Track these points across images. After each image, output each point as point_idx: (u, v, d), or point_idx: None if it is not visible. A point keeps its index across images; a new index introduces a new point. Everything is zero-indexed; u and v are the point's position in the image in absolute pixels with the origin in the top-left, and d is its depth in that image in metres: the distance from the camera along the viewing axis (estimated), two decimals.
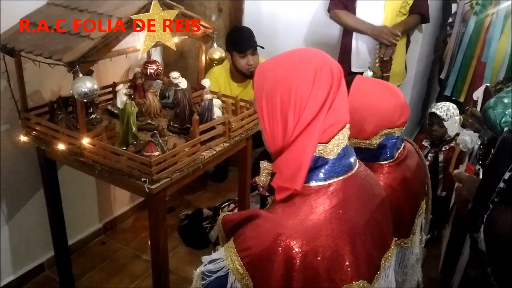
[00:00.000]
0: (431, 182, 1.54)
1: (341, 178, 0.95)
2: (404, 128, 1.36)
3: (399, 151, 1.37)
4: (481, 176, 1.04)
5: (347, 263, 0.90)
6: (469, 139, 1.91)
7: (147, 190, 1.67)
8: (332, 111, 0.91)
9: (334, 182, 0.94)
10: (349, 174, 0.97)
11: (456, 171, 1.09)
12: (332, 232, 0.90)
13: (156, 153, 1.70)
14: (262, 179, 1.01)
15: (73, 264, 2.41)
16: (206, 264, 0.98)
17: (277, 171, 0.95)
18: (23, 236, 2.34)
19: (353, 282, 0.92)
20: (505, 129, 0.89)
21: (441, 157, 2.68)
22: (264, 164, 1.00)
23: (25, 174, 2.25)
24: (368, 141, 1.31)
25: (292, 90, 0.90)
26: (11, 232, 2.28)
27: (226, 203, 2.99)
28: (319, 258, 0.87)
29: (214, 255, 0.98)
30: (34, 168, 2.21)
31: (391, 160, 1.34)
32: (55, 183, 2.15)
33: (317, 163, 0.93)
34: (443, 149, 2.69)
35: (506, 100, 0.93)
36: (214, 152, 1.92)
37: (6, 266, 2.30)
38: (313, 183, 0.93)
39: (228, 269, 0.92)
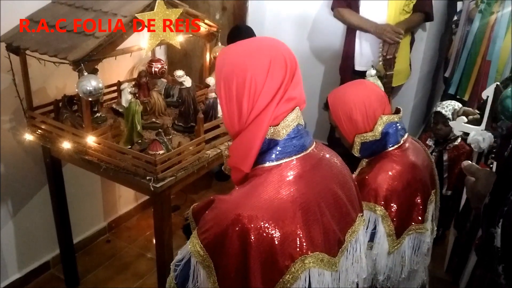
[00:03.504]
0: None
1: (293, 157, 0.99)
2: (401, 114, 1.45)
3: (403, 138, 1.45)
4: (494, 169, 0.99)
5: (301, 236, 0.94)
6: (481, 139, 1.88)
7: (152, 189, 1.67)
8: (284, 101, 0.96)
9: (286, 162, 0.98)
10: (302, 154, 1.00)
11: (465, 162, 1.05)
12: (285, 207, 0.93)
13: (161, 152, 1.71)
14: (225, 164, 1.08)
15: (78, 262, 2.43)
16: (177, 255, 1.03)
17: (231, 153, 1.03)
18: (28, 235, 2.34)
19: (309, 253, 0.95)
20: None
21: (445, 156, 2.67)
22: (225, 150, 1.07)
23: (30, 172, 2.26)
24: (371, 133, 1.40)
25: (247, 79, 0.94)
26: (16, 231, 2.29)
27: None
28: (272, 233, 0.90)
29: (184, 246, 1.02)
30: (39, 166, 2.22)
31: (397, 146, 1.43)
32: (60, 182, 2.16)
33: (270, 145, 0.98)
34: (448, 147, 2.67)
35: None
36: (219, 151, 1.92)
37: (11, 264, 2.31)
38: (267, 164, 0.98)
39: (191, 253, 0.96)
